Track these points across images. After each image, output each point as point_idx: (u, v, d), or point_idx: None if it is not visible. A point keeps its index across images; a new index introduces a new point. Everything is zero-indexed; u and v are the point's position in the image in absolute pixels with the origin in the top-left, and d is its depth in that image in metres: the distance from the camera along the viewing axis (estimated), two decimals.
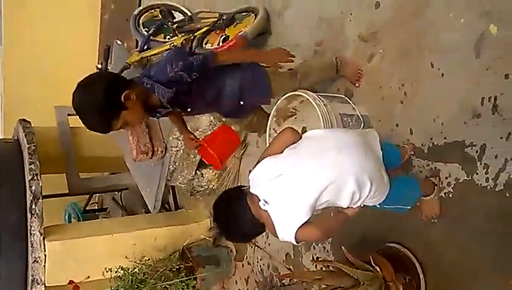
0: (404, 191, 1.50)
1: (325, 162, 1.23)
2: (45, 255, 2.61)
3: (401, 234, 1.77)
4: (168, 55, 1.69)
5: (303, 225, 1.21)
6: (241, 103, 1.78)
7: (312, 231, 1.23)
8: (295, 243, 1.27)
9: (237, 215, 1.28)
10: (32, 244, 2.62)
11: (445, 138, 1.62)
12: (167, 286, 2.65)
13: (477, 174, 1.53)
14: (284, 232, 1.23)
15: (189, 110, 1.75)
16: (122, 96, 1.47)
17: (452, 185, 1.60)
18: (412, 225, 1.73)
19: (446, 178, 1.62)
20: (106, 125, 1.52)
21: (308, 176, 1.22)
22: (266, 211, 1.24)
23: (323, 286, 1.63)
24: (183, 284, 2.61)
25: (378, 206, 1.38)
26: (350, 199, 1.25)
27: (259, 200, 1.24)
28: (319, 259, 2.06)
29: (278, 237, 1.27)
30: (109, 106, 1.47)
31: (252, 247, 2.66)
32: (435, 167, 1.65)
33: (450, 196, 1.61)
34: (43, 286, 2.64)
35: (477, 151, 1.52)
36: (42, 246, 2.61)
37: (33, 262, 2.62)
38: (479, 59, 1.52)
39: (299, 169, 1.24)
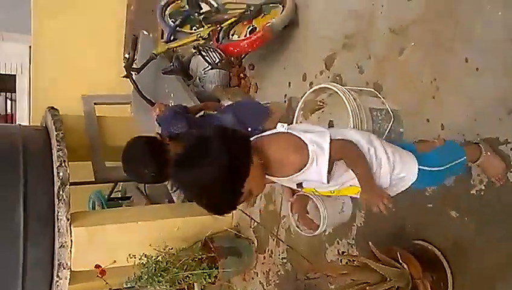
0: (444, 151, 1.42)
1: None
2: (71, 240, 2.67)
3: (429, 232, 1.73)
4: None
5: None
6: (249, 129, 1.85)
7: (343, 142, 1.24)
8: (327, 158, 1.19)
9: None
10: (59, 230, 2.68)
11: (478, 134, 1.58)
12: (189, 275, 2.68)
13: (511, 172, 1.48)
14: (317, 148, 1.19)
15: None
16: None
17: (484, 183, 1.56)
18: (440, 223, 1.70)
19: (478, 175, 1.58)
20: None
21: None
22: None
23: (349, 281, 1.61)
24: (205, 274, 2.63)
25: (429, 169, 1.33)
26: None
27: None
28: (344, 253, 2.05)
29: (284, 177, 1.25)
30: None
31: (274, 239, 2.66)
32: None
33: (482, 194, 1.57)
34: (69, 270, 2.70)
35: (511, 149, 1.48)
36: (68, 232, 2.67)
37: (59, 247, 2.68)
38: None
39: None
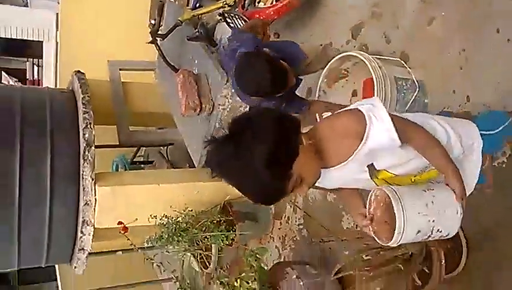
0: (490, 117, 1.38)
1: None
2: (95, 199, 2.77)
3: None
4: None
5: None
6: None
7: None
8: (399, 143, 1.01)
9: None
10: (84, 189, 2.78)
11: (504, 107, 1.56)
12: (208, 237, 2.77)
13: None
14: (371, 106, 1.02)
15: None
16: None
17: (507, 156, 1.55)
18: None
19: (501, 148, 1.57)
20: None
21: None
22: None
23: (363, 245, 1.65)
24: (223, 236, 2.70)
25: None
26: None
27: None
28: None
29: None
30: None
31: (291, 206, 2.70)
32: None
33: (504, 166, 1.56)
34: (93, 227, 2.82)
35: None
36: (93, 191, 2.77)
37: (84, 205, 2.79)
38: None
39: None
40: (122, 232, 2.63)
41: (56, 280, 6.16)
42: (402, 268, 1.56)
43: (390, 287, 1.61)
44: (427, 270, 1.60)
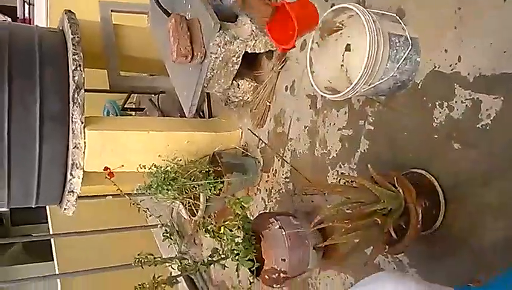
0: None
1: None
2: (85, 142, 2.78)
3: (430, 161, 1.77)
4: None
5: None
6: None
7: None
8: None
9: None
10: (73, 131, 2.78)
11: (493, 68, 1.55)
12: (196, 186, 2.81)
13: None
14: None
15: None
16: None
17: (491, 118, 1.56)
18: (443, 154, 1.73)
19: (487, 110, 1.57)
20: None
21: None
22: None
23: (344, 199, 1.69)
24: (211, 186, 2.75)
25: None
26: None
27: None
28: (343, 174, 2.12)
29: None
30: None
31: (279, 160, 2.73)
32: (477, 98, 1.60)
33: (488, 128, 1.57)
34: (82, 170, 2.85)
35: None
36: (82, 134, 2.78)
37: (73, 148, 2.81)
38: None
39: None
40: (109, 177, 2.66)
41: (47, 222, 6.29)
42: (380, 222, 1.61)
43: (368, 239, 1.66)
44: (404, 226, 1.65)
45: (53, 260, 5.99)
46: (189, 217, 3.29)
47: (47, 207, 6.24)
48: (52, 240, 5.55)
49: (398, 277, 1.25)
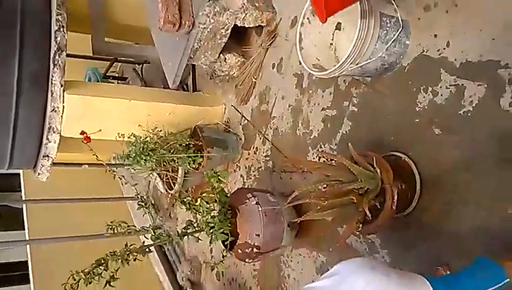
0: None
1: None
2: (63, 106, 2.70)
3: (410, 145, 1.78)
4: None
5: None
6: None
7: None
8: None
9: None
10: (52, 94, 2.70)
11: (480, 55, 1.56)
12: (175, 159, 2.77)
13: (503, 97, 1.49)
14: None
15: None
16: None
17: (474, 105, 1.57)
18: (422, 139, 1.74)
19: (470, 96, 1.58)
20: None
21: None
22: None
23: (322, 176, 1.68)
24: (190, 159, 2.71)
25: None
26: None
27: None
28: (323, 151, 2.11)
29: None
30: None
31: (260, 138, 2.72)
32: (462, 84, 1.61)
33: (469, 114, 1.58)
34: (59, 134, 2.78)
35: (509, 74, 1.47)
36: (61, 98, 2.70)
37: (51, 111, 2.73)
38: None
39: None
40: (85, 142, 2.60)
41: (20, 190, 6.17)
42: (356, 201, 1.61)
43: (343, 217, 1.66)
44: (379, 206, 1.66)
45: (24, 229, 5.90)
46: (166, 190, 3.26)
47: (20, 174, 6.13)
48: (24, 209, 5.46)
49: (369, 270, 1.21)
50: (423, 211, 1.72)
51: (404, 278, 1.23)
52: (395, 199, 1.62)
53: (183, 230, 2.16)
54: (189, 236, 2.19)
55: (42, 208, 4.58)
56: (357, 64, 1.74)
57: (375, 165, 1.64)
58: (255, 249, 2.13)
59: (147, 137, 2.79)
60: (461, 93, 1.61)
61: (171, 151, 2.77)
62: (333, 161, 1.73)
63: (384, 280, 1.17)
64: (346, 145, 2.01)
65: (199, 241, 2.23)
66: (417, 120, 1.76)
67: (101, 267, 1.83)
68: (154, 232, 2.07)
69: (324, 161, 1.76)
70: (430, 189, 1.72)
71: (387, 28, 1.72)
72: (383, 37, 1.73)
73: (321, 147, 2.22)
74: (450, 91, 1.65)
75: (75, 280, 1.80)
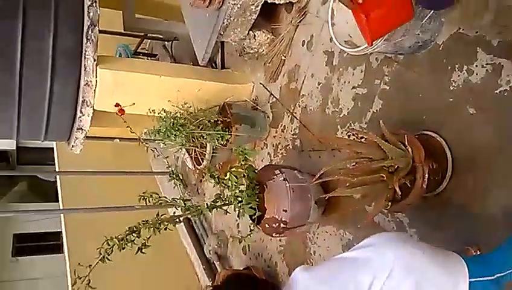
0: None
1: None
2: (96, 80, 2.77)
3: (442, 125, 1.75)
4: None
5: None
6: None
7: None
8: None
9: None
10: (85, 68, 2.77)
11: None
12: (204, 135, 2.82)
13: None
14: None
15: None
16: None
17: (511, 84, 1.53)
18: (457, 118, 1.71)
19: (507, 76, 1.54)
20: None
21: None
22: None
23: (352, 154, 1.69)
24: (219, 135, 2.75)
25: None
26: None
27: None
28: (353, 129, 2.11)
29: None
30: None
31: (288, 116, 2.72)
32: (499, 63, 1.57)
33: (505, 94, 1.55)
34: (92, 108, 2.86)
35: None
36: (94, 72, 2.77)
37: (85, 85, 2.80)
38: None
39: None
40: (119, 114, 2.66)
41: (53, 164, 6.40)
42: (385, 179, 1.61)
43: (372, 195, 1.67)
44: (409, 185, 1.66)
45: (57, 201, 6.14)
46: (194, 166, 3.32)
47: (54, 148, 6.34)
48: (58, 181, 5.67)
49: (399, 243, 1.19)
50: (454, 191, 1.71)
51: (438, 255, 1.21)
52: (426, 178, 1.61)
53: (212, 203, 2.21)
54: (218, 209, 2.24)
55: (75, 180, 4.75)
56: (390, 41, 1.72)
57: (406, 143, 1.64)
58: (282, 224, 2.17)
59: (176, 113, 2.84)
60: (498, 72, 1.57)
61: (200, 127, 2.82)
62: (363, 139, 1.73)
63: (417, 254, 1.15)
64: (376, 124, 2.00)
65: (227, 214, 2.27)
66: (451, 99, 1.73)
67: (133, 234, 1.91)
68: (185, 204, 2.13)
69: (354, 139, 1.76)
70: (462, 169, 1.70)
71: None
72: (418, 14, 1.69)
73: (351, 126, 2.21)
74: (486, 70, 1.61)
75: (109, 245, 1.88)
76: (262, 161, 2.99)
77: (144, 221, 1.97)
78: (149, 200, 2.14)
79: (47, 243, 9.66)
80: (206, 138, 2.86)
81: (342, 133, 2.29)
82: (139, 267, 3.70)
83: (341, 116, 2.29)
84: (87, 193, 4.51)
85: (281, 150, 2.81)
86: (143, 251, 1.99)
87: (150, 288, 4.00)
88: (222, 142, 2.82)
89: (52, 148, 6.72)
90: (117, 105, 2.66)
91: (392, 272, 1.11)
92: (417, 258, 1.14)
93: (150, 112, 2.84)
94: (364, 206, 1.98)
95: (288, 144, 2.73)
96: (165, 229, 2.06)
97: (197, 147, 3.03)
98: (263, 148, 2.98)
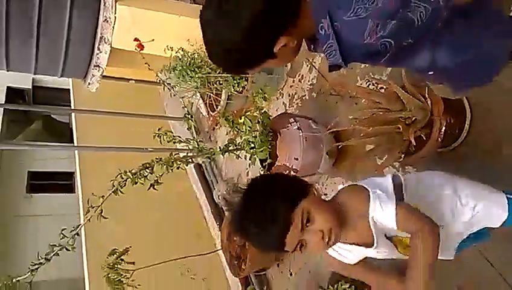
0: None
1: None
2: (115, 17, 2.74)
3: None
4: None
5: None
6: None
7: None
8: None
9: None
10: (104, 4, 2.73)
11: None
12: (220, 80, 2.80)
13: None
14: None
15: None
16: (278, 44, 0.89)
17: None
18: None
19: None
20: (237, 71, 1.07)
21: None
22: None
23: (370, 103, 1.67)
24: (235, 82, 2.73)
25: None
26: None
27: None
28: (374, 77, 2.08)
29: None
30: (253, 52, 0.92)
31: (307, 65, 2.68)
32: None
33: None
34: (110, 45, 2.84)
35: None
36: (114, 8, 2.73)
37: (103, 21, 2.78)
38: None
39: None
40: (138, 49, 2.65)
41: (69, 104, 6.46)
42: (401, 130, 1.60)
43: (385, 146, 1.67)
44: (424, 138, 1.64)
45: (72, 142, 6.24)
46: (208, 112, 3.33)
47: (70, 88, 6.38)
48: (73, 121, 5.74)
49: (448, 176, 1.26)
50: (469, 147, 1.69)
51: (484, 187, 1.25)
52: (442, 131, 1.60)
53: (225, 147, 2.23)
54: (229, 153, 2.26)
55: (90, 122, 4.80)
56: None
57: (426, 95, 1.61)
58: (292, 172, 2.19)
59: (194, 53, 2.82)
60: None
61: (217, 71, 2.80)
62: (383, 89, 1.71)
63: (464, 179, 1.23)
64: (396, 78, 1.96)
65: (239, 158, 2.30)
66: None
67: (147, 170, 1.94)
68: (198, 145, 2.15)
69: (374, 88, 1.73)
70: (479, 126, 1.67)
71: None
72: None
73: (371, 78, 2.17)
74: None
75: (122, 178, 1.92)
76: (277, 110, 2.97)
77: (157, 158, 2.00)
78: (163, 138, 2.16)
79: (60, 183, 9.93)
80: (222, 84, 2.84)
81: (361, 84, 2.25)
82: (152, 217, 3.81)
83: (361, 67, 2.24)
84: (101, 134, 4.57)
85: (296, 100, 2.78)
86: (155, 187, 2.03)
87: (162, 236, 4.09)
88: (238, 89, 2.81)
89: (68, 89, 6.76)
90: (136, 40, 2.64)
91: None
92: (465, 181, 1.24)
93: (168, 49, 2.80)
94: (377, 157, 1.98)
95: (305, 94, 2.70)
96: (178, 168, 2.10)
97: (212, 93, 3.02)
98: (278, 98, 2.96)
